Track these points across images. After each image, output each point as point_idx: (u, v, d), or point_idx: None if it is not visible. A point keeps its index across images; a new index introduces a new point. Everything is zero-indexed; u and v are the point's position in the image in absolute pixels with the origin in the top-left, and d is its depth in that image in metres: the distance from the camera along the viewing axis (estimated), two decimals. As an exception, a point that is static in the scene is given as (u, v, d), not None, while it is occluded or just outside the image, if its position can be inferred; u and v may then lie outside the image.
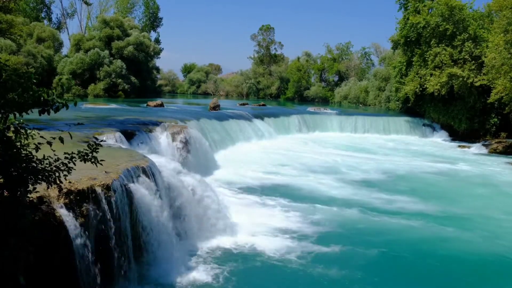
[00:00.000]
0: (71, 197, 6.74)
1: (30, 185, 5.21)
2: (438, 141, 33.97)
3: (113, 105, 30.82)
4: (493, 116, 32.47)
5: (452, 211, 13.94)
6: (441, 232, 11.96)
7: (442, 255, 10.43)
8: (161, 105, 31.63)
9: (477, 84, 30.66)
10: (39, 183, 5.31)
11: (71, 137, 5.92)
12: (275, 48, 77.92)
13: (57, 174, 5.40)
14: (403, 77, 37.36)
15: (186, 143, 16.74)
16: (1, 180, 4.95)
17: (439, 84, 32.30)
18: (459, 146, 31.01)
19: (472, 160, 25.23)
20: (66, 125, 12.83)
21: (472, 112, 33.10)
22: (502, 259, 10.44)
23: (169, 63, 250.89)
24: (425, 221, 12.80)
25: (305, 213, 13.01)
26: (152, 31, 71.19)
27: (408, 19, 34.74)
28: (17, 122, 5.01)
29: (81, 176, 7.23)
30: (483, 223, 12.82)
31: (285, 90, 72.08)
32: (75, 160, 5.58)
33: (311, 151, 25.29)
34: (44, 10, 65.30)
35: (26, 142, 5.13)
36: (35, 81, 5.09)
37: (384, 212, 13.55)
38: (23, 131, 5.01)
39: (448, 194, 16.35)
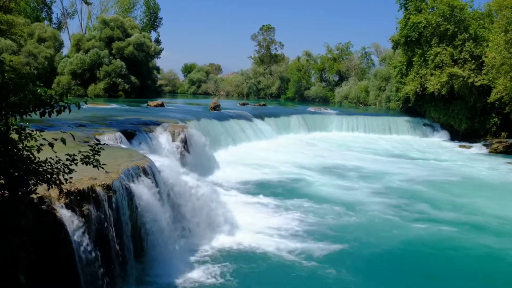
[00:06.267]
0: (71, 197, 6.75)
1: (31, 186, 5.23)
2: (439, 141, 33.96)
3: (113, 105, 30.82)
4: (494, 115, 32.45)
5: (454, 212, 13.90)
6: (442, 232, 11.94)
7: (444, 255, 10.45)
8: (162, 105, 31.62)
9: (478, 83, 30.65)
10: (40, 184, 5.33)
11: (74, 138, 5.94)
12: (275, 48, 78.03)
13: (58, 175, 5.41)
14: (404, 77, 37.35)
15: (186, 143, 16.76)
16: (2, 180, 4.96)
17: (439, 83, 32.30)
18: (460, 146, 31.00)
19: (473, 160, 25.21)
20: (68, 126, 12.85)
21: (472, 111, 33.08)
22: (504, 259, 10.44)
23: (169, 63, 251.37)
24: (426, 221, 12.79)
25: (306, 213, 13.02)
26: (152, 31, 71.26)
27: (409, 19, 34.73)
28: (21, 123, 5.02)
29: (82, 176, 7.24)
30: (485, 224, 12.80)
31: (285, 90, 72.05)
32: (77, 163, 5.59)
33: (312, 151, 25.30)
34: (45, 10, 65.34)
35: (28, 143, 5.14)
36: (41, 84, 5.09)
37: (386, 212, 13.55)
38: (25, 133, 5.02)
39: (449, 195, 16.28)
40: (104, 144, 6.04)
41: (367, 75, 62.73)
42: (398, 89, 39.49)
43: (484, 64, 30.27)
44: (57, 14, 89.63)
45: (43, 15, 64.61)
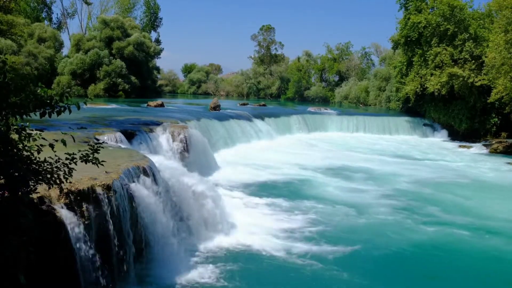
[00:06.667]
0: (71, 197, 6.75)
1: (31, 186, 5.23)
2: (439, 141, 33.95)
3: (114, 105, 30.82)
4: (494, 116, 32.47)
5: (462, 214, 13.76)
6: (452, 235, 11.80)
7: (455, 258, 10.39)
8: (162, 105, 31.64)
9: (478, 84, 30.66)
10: (40, 184, 5.33)
11: (74, 140, 5.94)
12: (275, 48, 78.13)
13: (58, 175, 5.42)
14: (404, 77, 37.36)
15: (186, 143, 16.75)
16: (2, 180, 4.96)
17: (439, 84, 32.31)
18: (460, 146, 31.00)
19: (476, 161, 25.16)
20: (68, 127, 12.85)
21: (472, 112, 33.09)
22: (502, 259, 10.44)
23: (169, 63, 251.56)
24: (436, 224, 12.72)
25: (306, 213, 12.99)
26: (152, 31, 71.29)
27: (409, 19, 34.75)
28: (21, 124, 5.03)
29: (82, 176, 7.24)
30: (495, 226, 12.71)
31: (285, 90, 72.08)
32: (76, 161, 5.59)
33: (313, 151, 25.29)
34: (45, 10, 65.33)
35: (29, 144, 5.14)
36: (43, 86, 5.10)
37: (387, 212, 13.51)
38: (25, 133, 5.02)
39: (455, 196, 16.18)
40: (102, 142, 6.03)
41: (367, 75, 62.77)
42: (398, 89, 39.50)
43: (484, 64, 30.28)
44: (57, 14, 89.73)
45: (43, 15, 64.59)
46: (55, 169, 5.40)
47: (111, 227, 7.40)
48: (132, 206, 8.21)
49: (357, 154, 25.26)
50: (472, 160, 25.01)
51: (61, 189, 6.14)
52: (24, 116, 5.02)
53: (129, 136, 14.99)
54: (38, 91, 4.99)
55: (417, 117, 36.95)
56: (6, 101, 4.79)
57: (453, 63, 32.44)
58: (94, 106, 27.32)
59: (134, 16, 69.14)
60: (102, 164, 5.81)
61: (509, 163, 24.04)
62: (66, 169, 5.54)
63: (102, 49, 49.65)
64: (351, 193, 15.81)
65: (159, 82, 66.75)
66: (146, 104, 32.33)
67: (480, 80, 30.38)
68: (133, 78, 50.49)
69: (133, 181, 8.49)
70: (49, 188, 5.54)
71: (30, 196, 5.36)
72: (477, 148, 29.63)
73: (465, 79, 31.29)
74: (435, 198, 15.61)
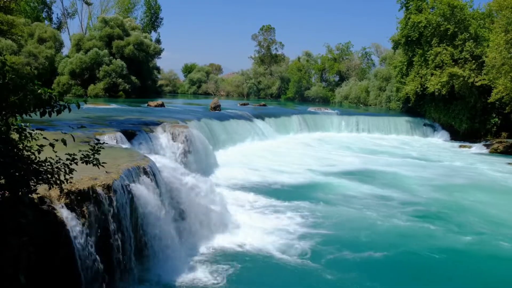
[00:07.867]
0: (72, 197, 6.74)
1: (31, 186, 5.22)
2: (439, 141, 33.97)
3: (114, 105, 30.81)
4: (494, 116, 32.48)
5: (453, 213, 13.73)
6: (441, 235, 11.73)
7: (444, 257, 10.29)
8: (162, 105, 31.64)
9: (478, 84, 30.67)
10: (40, 184, 5.32)
11: (74, 140, 5.94)
12: (275, 48, 78.15)
13: (58, 175, 5.41)
14: (404, 77, 37.37)
15: (187, 143, 16.74)
16: (2, 180, 4.95)
17: (439, 83, 32.32)
18: (460, 146, 31.02)
19: (473, 160, 25.17)
20: (68, 127, 12.82)
21: (472, 112, 33.11)
22: (504, 262, 10.40)
23: (169, 63, 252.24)
24: (423, 223, 12.73)
25: (307, 213, 12.94)
26: (152, 31, 71.30)
27: (409, 18, 34.77)
28: (22, 124, 5.03)
29: (82, 176, 7.23)
30: (485, 226, 12.66)
31: (285, 90, 72.09)
32: (77, 162, 5.59)
33: (314, 151, 25.28)
34: (45, 10, 65.33)
35: (29, 143, 5.14)
36: (40, 83, 5.10)
37: (388, 213, 13.46)
38: (25, 132, 5.02)
39: (449, 196, 16.18)
40: (103, 143, 6.03)
41: (367, 75, 62.74)
42: (399, 89, 39.52)
43: (484, 64, 30.29)
44: (57, 14, 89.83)
45: (43, 15, 64.58)
46: (55, 169, 5.39)
47: (111, 227, 7.39)
48: (133, 206, 8.21)
49: (359, 154, 25.24)
50: (471, 160, 24.95)
51: (61, 189, 6.13)
52: (24, 116, 5.02)
53: (130, 136, 14.98)
54: (39, 91, 4.99)
55: (418, 117, 36.95)
56: (6, 101, 4.78)
57: (453, 63, 32.44)
58: (95, 106, 27.33)
59: (134, 16, 69.21)
60: (102, 166, 5.82)
61: (509, 163, 24.00)
62: (67, 170, 5.54)
63: (102, 49, 49.59)
64: (353, 194, 15.78)
65: (160, 82, 66.77)
66: (146, 104, 32.33)
67: (480, 80, 30.39)
68: (134, 78, 50.45)
69: (134, 181, 8.49)
70: (50, 188, 5.54)
71: (30, 196, 5.35)
72: (477, 148, 29.65)
73: (466, 79, 31.30)
74: (453, 202, 15.20)
